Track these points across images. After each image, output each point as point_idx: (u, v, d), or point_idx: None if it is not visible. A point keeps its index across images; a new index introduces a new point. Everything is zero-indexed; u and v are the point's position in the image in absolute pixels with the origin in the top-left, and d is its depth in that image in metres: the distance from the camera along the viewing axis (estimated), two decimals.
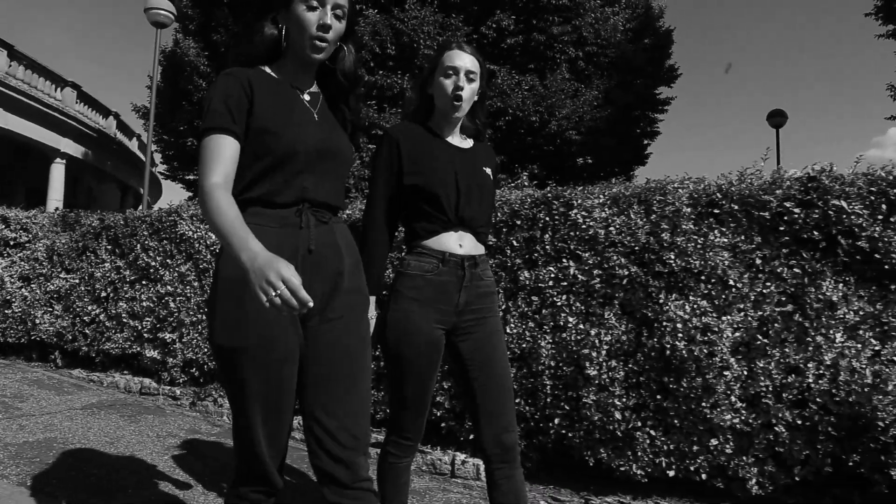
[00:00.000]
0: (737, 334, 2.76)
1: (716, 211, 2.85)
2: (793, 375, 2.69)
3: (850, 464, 2.62)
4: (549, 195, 3.21)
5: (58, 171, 17.20)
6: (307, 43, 1.45)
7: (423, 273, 1.79)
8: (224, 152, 1.39)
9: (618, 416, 2.91)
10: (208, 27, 12.12)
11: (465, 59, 1.82)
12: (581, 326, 3.02)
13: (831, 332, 2.63)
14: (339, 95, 1.59)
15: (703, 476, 2.84)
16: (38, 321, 5.24)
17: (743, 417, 2.74)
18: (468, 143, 1.95)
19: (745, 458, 2.76)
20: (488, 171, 1.91)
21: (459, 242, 1.81)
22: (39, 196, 17.45)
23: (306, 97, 1.54)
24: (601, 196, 3.10)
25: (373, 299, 1.82)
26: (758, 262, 2.76)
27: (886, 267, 2.58)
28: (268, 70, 1.52)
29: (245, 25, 11.09)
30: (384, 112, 11.12)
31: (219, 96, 1.42)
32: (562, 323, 3.07)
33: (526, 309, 3.19)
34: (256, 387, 1.37)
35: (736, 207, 2.81)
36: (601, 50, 12.42)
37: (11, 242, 5.54)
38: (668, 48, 14.96)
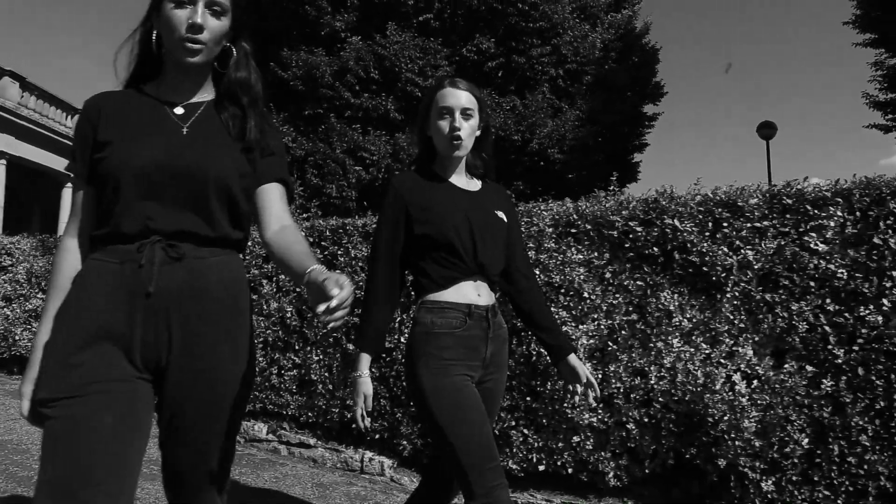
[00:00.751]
0: (591, 341, 3.08)
1: (573, 230, 3.19)
2: (639, 378, 3.00)
3: (688, 456, 2.92)
4: None
5: (69, 195, 17.92)
6: (177, 45, 1.27)
7: (451, 331, 1.67)
8: (75, 201, 1.33)
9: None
10: None
11: (459, 97, 1.74)
12: None
13: (669, 338, 2.94)
14: (235, 107, 1.37)
15: (570, 470, 3.15)
16: (17, 337, 5.70)
17: (599, 417, 3.05)
18: (476, 185, 1.86)
19: (603, 453, 3.07)
20: (501, 214, 1.82)
21: (478, 292, 1.72)
22: (53, 217, 18.19)
23: (179, 110, 1.34)
24: None
25: (365, 358, 1.73)
26: (608, 275, 3.09)
27: (713, 278, 2.89)
28: (141, 88, 1.37)
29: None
30: (368, 134, 11.58)
31: (74, 138, 1.32)
32: None
33: None
34: None
35: (589, 227, 3.14)
36: (580, 67, 12.76)
37: None
38: (654, 65, 15.26)
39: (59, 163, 17.47)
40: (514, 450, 3.23)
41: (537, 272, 3.18)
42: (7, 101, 15.42)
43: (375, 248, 1.78)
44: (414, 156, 1.94)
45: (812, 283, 2.72)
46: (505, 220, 1.82)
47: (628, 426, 3.01)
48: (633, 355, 3.00)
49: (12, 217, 16.87)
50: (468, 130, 1.75)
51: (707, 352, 2.89)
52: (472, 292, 1.70)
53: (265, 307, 4.15)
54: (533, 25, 12.14)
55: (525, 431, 3.22)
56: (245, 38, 1.40)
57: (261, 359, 4.15)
